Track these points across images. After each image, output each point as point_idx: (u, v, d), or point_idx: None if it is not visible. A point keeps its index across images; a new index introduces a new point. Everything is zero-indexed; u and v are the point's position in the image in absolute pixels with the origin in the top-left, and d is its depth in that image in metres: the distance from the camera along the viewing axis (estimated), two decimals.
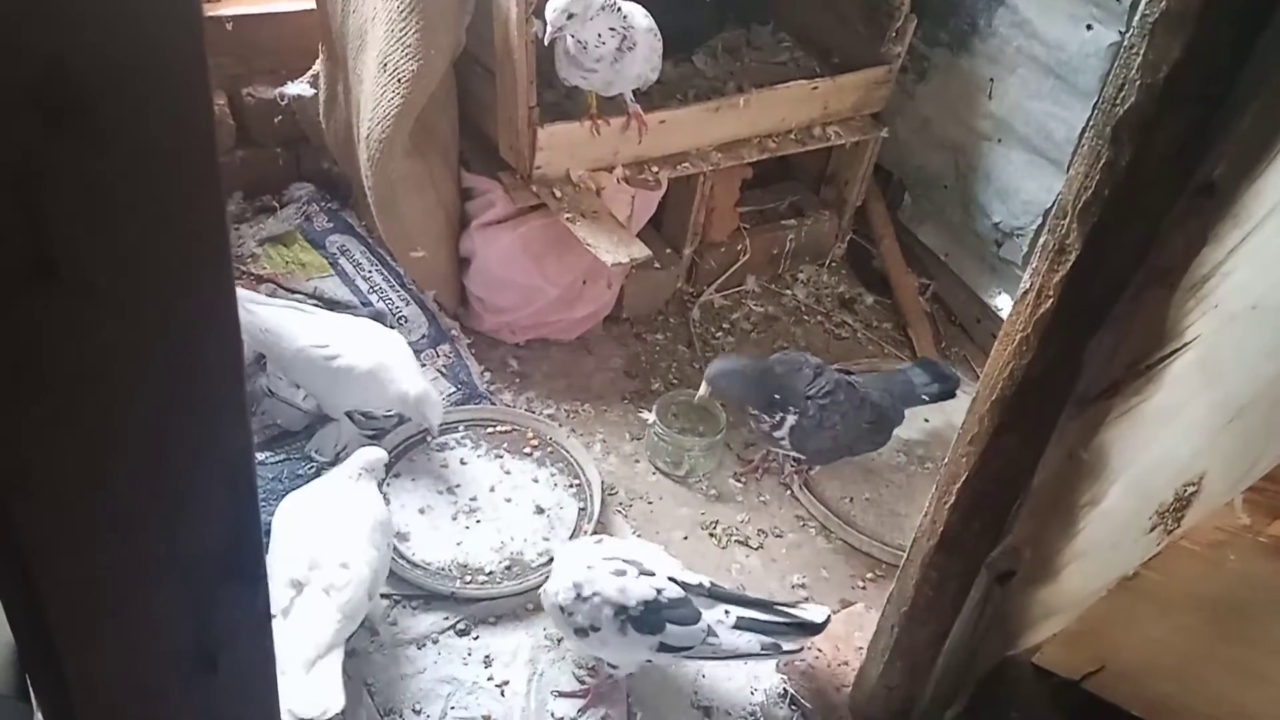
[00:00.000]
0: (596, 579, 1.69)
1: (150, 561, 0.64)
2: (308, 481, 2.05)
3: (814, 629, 1.74)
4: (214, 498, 0.66)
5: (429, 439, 2.20)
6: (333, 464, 2.11)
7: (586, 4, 1.98)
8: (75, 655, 0.65)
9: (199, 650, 0.70)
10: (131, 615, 0.66)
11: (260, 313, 2.10)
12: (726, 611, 1.73)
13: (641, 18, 2.11)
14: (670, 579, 1.72)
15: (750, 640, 1.71)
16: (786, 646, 1.73)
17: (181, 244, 0.56)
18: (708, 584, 1.76)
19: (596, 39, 2.05)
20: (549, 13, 1.95)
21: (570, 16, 1.98)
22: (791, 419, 2.10)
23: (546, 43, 2.01)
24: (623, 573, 1.71)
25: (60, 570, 0.61)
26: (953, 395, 2.31)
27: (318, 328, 2.10)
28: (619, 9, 2.06)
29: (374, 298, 2.48)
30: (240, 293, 2.19)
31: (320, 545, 1.73)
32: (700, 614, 1.71)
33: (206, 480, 0.65)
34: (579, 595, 1.69)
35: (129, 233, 0.54)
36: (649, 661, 1.76)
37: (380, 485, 1.96)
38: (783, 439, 2.14)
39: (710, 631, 1.70)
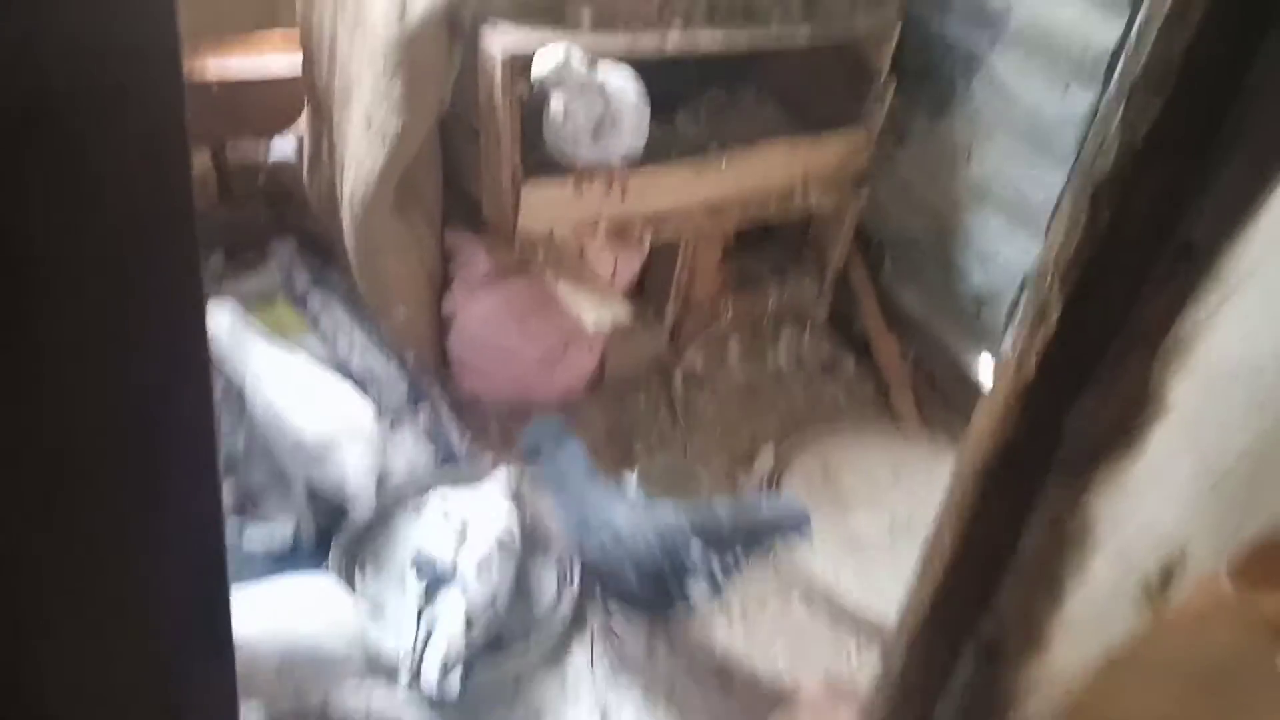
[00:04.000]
0: (434, 522, 1.96)
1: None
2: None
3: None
4: (178, 564, 0.63)
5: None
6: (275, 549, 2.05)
7: (560, 75, 1.95)
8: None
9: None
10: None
11: (252, 362, 2.10)
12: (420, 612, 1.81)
13: (630, 91, 2.09)
14: (451, 560, 1.86)
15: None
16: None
17: (150, 267, 0.55)
18: (455, 584, 1.83)
19: (565, 115, 2.01)
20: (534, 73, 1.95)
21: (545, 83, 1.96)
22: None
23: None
24: (447, 516, 1.96)
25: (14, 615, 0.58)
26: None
27: (288, 383, 2.07)
28: (601, 86, 2.02)
29: (355, 356, 2.46)
30: (243, 328, 2.16)
31: None
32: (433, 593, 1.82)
33: (172, 548, 0.62)
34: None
35: (96, 245, 0.52)
36: None
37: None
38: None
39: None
